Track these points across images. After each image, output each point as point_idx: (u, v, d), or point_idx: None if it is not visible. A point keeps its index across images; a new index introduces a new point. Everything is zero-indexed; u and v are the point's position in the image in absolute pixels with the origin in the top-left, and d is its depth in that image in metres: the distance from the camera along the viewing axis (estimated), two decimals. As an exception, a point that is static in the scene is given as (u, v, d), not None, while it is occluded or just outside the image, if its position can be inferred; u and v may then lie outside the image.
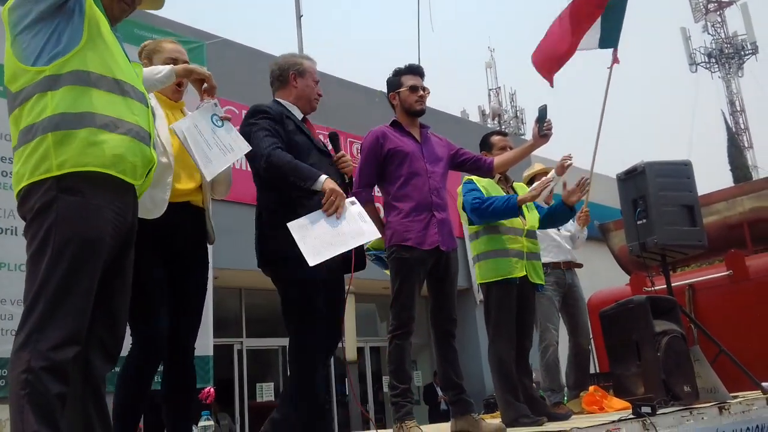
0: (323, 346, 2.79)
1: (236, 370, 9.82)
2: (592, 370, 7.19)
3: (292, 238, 2.57)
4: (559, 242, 4.64)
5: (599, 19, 5.39)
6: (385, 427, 8.74)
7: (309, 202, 2.70)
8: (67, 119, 1.83)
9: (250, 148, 2.67)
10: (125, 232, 1.96)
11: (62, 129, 1.82)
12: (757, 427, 3.64)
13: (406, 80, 3.40)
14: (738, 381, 4.34)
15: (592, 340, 7.19)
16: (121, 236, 1.94)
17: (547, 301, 4.44)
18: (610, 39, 5.39)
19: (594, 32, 5.41)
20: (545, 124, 3.48)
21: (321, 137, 3.09)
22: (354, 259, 2.81)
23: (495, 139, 3.95)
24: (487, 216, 3.57)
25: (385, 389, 10.70)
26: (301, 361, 2.70)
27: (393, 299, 3.18)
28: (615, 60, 5.23)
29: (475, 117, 23.75)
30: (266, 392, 9.97)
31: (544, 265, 4.34)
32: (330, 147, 3.07)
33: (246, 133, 2.76)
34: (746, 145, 27.74)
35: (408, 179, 3.25)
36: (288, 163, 2.69)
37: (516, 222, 3.67)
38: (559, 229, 4.61)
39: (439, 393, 10.84)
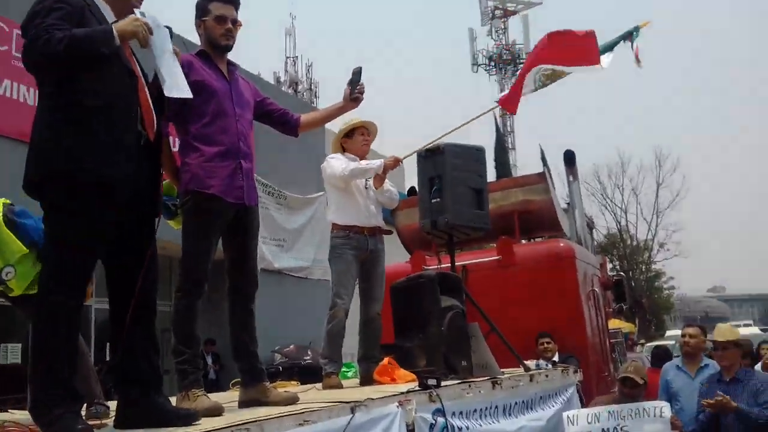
0: None
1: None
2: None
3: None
4: (366, 204, 4.38)
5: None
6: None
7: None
8: None
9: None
10: None
11: None
12: (523, 402, 3.95)
13: (215, 8, 2.99)
14: (503, 358, 4.65)
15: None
16: None
17: (346, 265, 4.24)
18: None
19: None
20: (358, 88, 3.38)
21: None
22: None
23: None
24: None
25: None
26: None
27: (185, 254, 2.84)
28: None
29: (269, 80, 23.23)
30: (12, 354, 8.94)
31: (345, 227, 4.26)
32: None
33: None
34: (510, 146, 30.98)
35: (214, 118, 2.90)
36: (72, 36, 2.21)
37: None
38: (367, 188, 4.43)
39: (209, 362, 10.49)
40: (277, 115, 3.36)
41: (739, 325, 15.83)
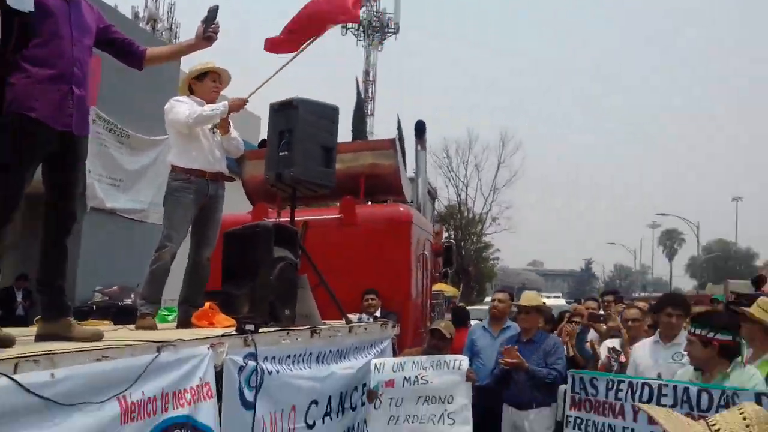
0: None
1: None
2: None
3: None
4: (210, 148, 4.24)
5: None
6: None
7: None
8: None
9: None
10: None
11: None
12: (338, 351, 4.14)
13: None
14: (331, 311, 4.82)
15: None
16: None
17: (183, 209, 4.09)
18: None
19: None
20: (212, 27, 3.34)
21: None
22: None
23: None
24: None
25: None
26: None
27: None
28: None
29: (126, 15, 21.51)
30: None
31: (187, 170, 4.11)
32: None
33: None
34: (369, 112, 31.37)
35: (48, 40, 2.75)
36: None
37: None
38: (214, 133, 4.29)
39: (18, 298, 10.03)
40: (121, 45, 3.24)
41: (549, 296, 17.51)
